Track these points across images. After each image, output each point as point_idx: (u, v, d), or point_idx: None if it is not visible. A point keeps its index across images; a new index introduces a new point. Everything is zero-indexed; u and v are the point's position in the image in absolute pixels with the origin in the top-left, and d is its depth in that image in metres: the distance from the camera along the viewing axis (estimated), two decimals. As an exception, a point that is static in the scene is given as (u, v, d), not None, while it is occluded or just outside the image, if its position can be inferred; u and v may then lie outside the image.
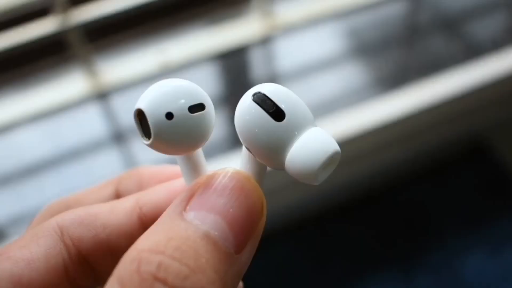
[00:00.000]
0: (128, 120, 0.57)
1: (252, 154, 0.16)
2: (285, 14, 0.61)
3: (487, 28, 0.66)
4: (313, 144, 0.15)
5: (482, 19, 0.66)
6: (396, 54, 0.65)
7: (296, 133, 0.15)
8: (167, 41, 0.60)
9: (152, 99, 0.15)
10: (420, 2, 0.69)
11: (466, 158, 0.80)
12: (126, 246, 0.16)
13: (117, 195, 0.21)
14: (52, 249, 0.17)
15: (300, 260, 0.73)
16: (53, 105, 0.55)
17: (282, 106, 0.15)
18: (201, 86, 0.16)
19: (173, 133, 0.15)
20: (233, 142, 0.55)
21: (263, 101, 0.15)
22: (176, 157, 0.18)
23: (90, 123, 0.57)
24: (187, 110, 0.16)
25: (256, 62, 0.62)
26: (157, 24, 0.60)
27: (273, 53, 0.62)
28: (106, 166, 0.55)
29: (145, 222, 0.18)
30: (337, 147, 0.15)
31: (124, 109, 0.57)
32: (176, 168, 0.20)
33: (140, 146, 0.56)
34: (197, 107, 0.16)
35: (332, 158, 0.15)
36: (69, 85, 0.57)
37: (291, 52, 0.62)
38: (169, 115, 0.15)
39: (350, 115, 0.55)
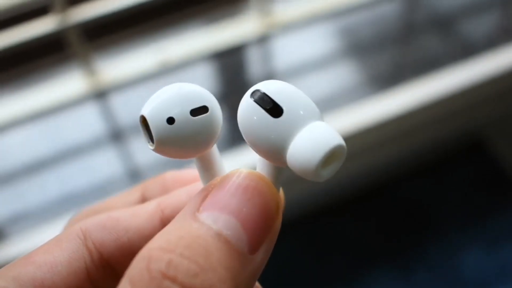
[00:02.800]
0: (127, 118, 0.57)
1: (257, 153, 0.16)
2: (283, 12, 0.61)
3: (482, 26, 0.66)
4: (312, 138, 0.14)
5: (477, 17, 0.67)
6: (392, 53, 0.65)
7: (296, 128, 0.15)
8: (165, 39, 0.60)
9: (154, 105, 0.16)
10: (415, 1, 0.69)
11: (463, 155, 0.80)
12: None
13: (143, 200, 0.21)
14: (75, 253, 0.17)
15: (300, 256, 0.74)
16: (52, 104, 0.55)
17: (280, 102, 0.15)
18: (199, 85, 0.16)
19: (175, 137, 0.15)
20: (232, 140, 0.55)
21: (260, 98, 0.15)
22: (195, 160, 0.18)
23: (89, 122, 0.57)
24: (188, 114, 0.16)
25: (254, 60, 0.62)
26: (156, 22, 0.60)
27: (270, 52, 0.62)
28: (106, 165, 0.55)
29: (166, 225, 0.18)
30: (339, 141, 0.15)
31: (123, 107, 0.57)
32: None
33: (139, 145, 0.56)
34: (200, 110, 0.16)
35: (334, 153, 0.15)
36: (68, 84, 0.57)
37: (288, 50, 0.62)
38: (170, 120, 0.15)
39: (348, 113, 0.56)
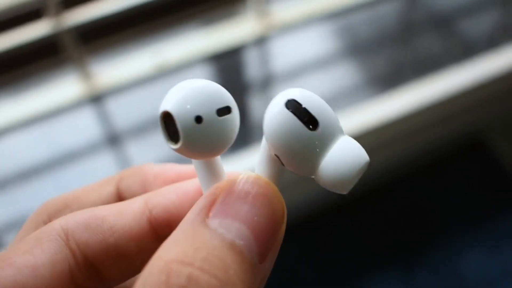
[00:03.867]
0: (123, 122, 0.57)
1: (281, 161, 0.16)
2: (280, 13, 0.61)
3: (482, 26, 0.66)
4: (347, 154, 0.15)
5: (477, 17, 0.66)
6: (391, 53, 0.64)
7: (329, 142, 0.15)
8: (161, 42, 0.59)
9: (180, 101, 0.15)
10: (415, 0, 0.68)
11: (464, 156, 0.79)
12: (136, 251, 0.16)
13: (118, 194, 0.20)
14: (58, 254, 0.16)
15: (301, 260, 0.73)
16: (47, 108, 0.55)
17: (315, 114, 0.15)
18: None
19: (202, 137, 0.15)
20: (233, 144, 0.55)
21: (296, 108, 0.15)
22: (194, 161, 0.17)
23: (85, 126, 0.56)
24: (215, 113, 0.15)
25: (252, 62, 0.62)
26: (151, 25, 0.59)
27: (268, 53, 0.62)
28: (102, 169, 0.55)
29: (155, 226, 0.17)
30: (368, 158, 0.16)
31: (119, 111, 0.57)
32: (182, 168, 0.20)
33: (136, 149, 0.55)
34: (224, 110, 0.15)
35: (364, 169, 0.15)
36: (63, 88, 0.56)
37: (286, 51, 0.62)
38: (199, 119, 0.15)
39: (347, 115, 0.55)
